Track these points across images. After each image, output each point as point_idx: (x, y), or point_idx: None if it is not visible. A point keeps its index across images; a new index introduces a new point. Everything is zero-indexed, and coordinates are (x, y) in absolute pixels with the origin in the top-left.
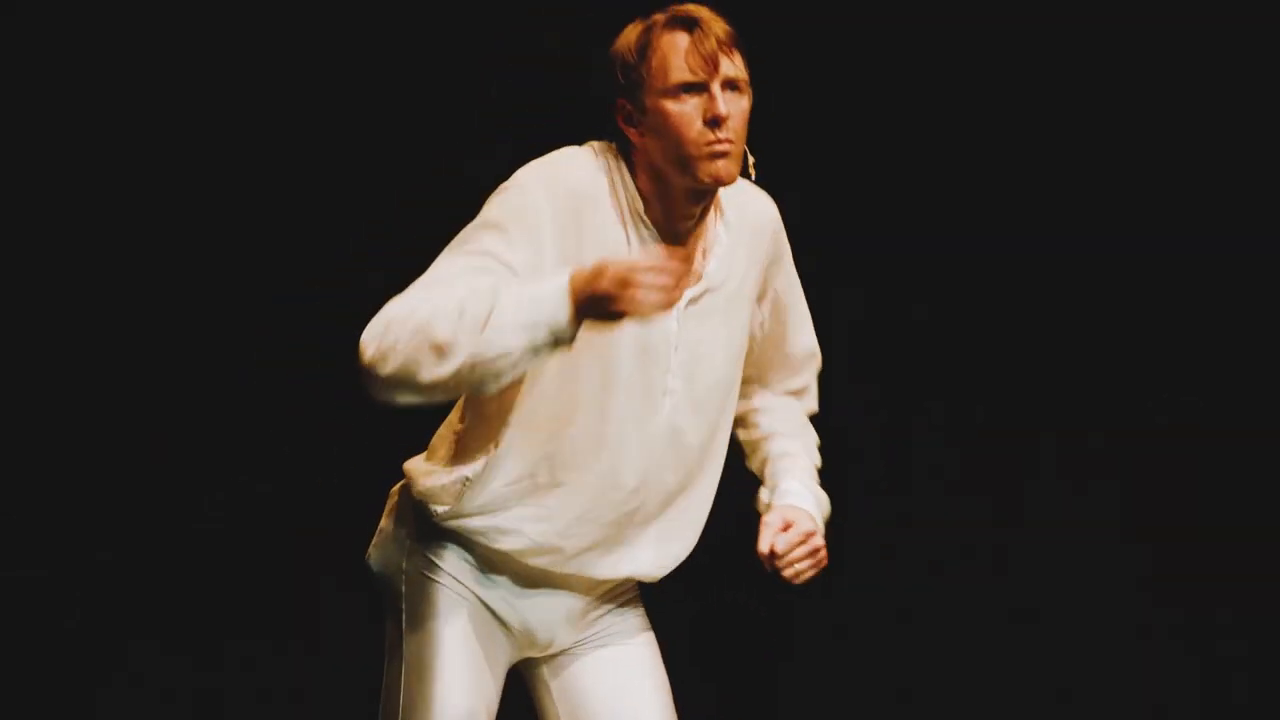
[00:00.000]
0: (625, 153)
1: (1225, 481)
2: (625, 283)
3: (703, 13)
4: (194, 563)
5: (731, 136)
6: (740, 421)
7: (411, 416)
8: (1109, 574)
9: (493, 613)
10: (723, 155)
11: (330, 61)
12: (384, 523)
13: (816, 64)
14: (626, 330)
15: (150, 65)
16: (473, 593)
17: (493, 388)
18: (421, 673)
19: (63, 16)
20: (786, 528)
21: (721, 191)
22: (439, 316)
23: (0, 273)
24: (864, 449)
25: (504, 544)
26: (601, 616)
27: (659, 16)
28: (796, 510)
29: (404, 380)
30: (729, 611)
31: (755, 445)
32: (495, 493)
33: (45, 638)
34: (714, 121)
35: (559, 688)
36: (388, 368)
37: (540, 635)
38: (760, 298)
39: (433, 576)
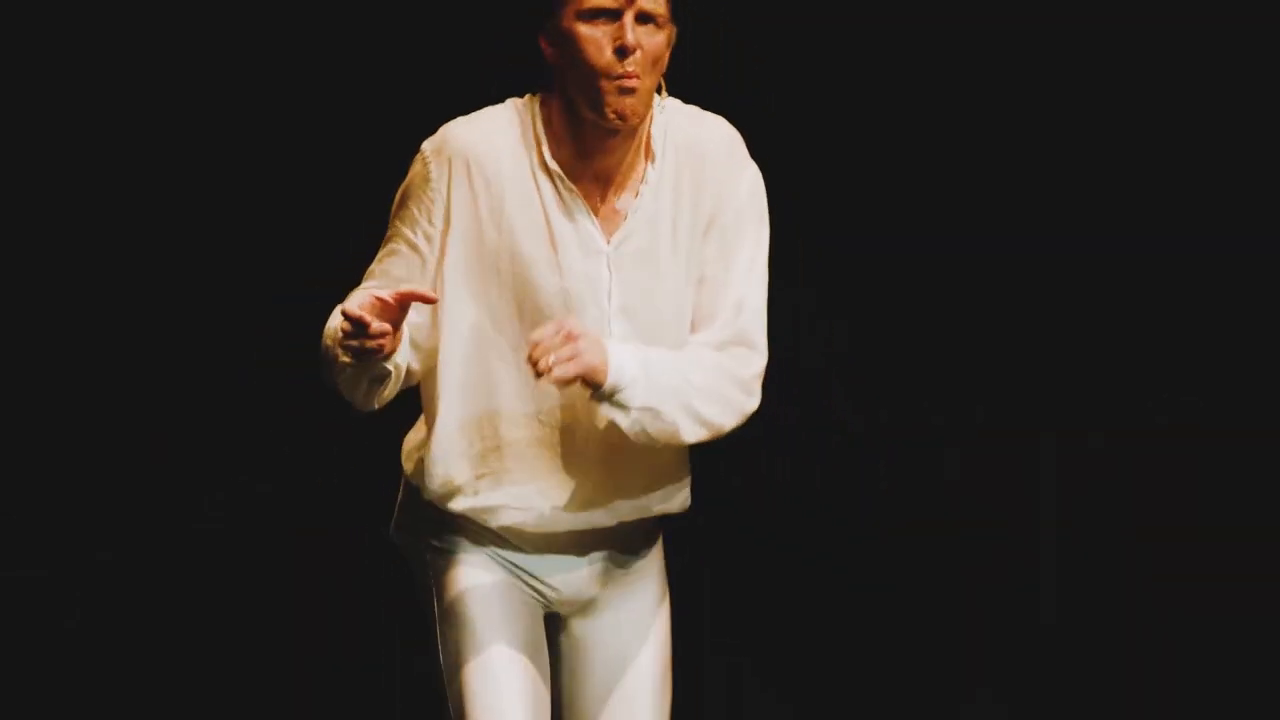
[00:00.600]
0: (544, 98)
1: (1225, 481)
2: (340, 328)
3: None
4: (194, 563)
5: (636, 70)
6: None
7: (412, 413)
8: (1110, 574)
9: (515, 568)
10: (629, 91)
11: (326, 59)
12: (400, 495)
13: (814, 64)
14: (545, 284)
15: (150, 66)
16: (495, 552)
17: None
18: (458, 636)
19: (62, 16)
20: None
21: (657, 121)
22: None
23: (1, 273)
24: (866, 448)
25: (491, 520)
26: (627, 571)
27: None
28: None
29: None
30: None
31: None
32: (450, 468)
33: (45, 638)
34: (620, 50)
35: (567, 644)
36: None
37: (568, 593)
38: (706, 230)
39: (456, 545)
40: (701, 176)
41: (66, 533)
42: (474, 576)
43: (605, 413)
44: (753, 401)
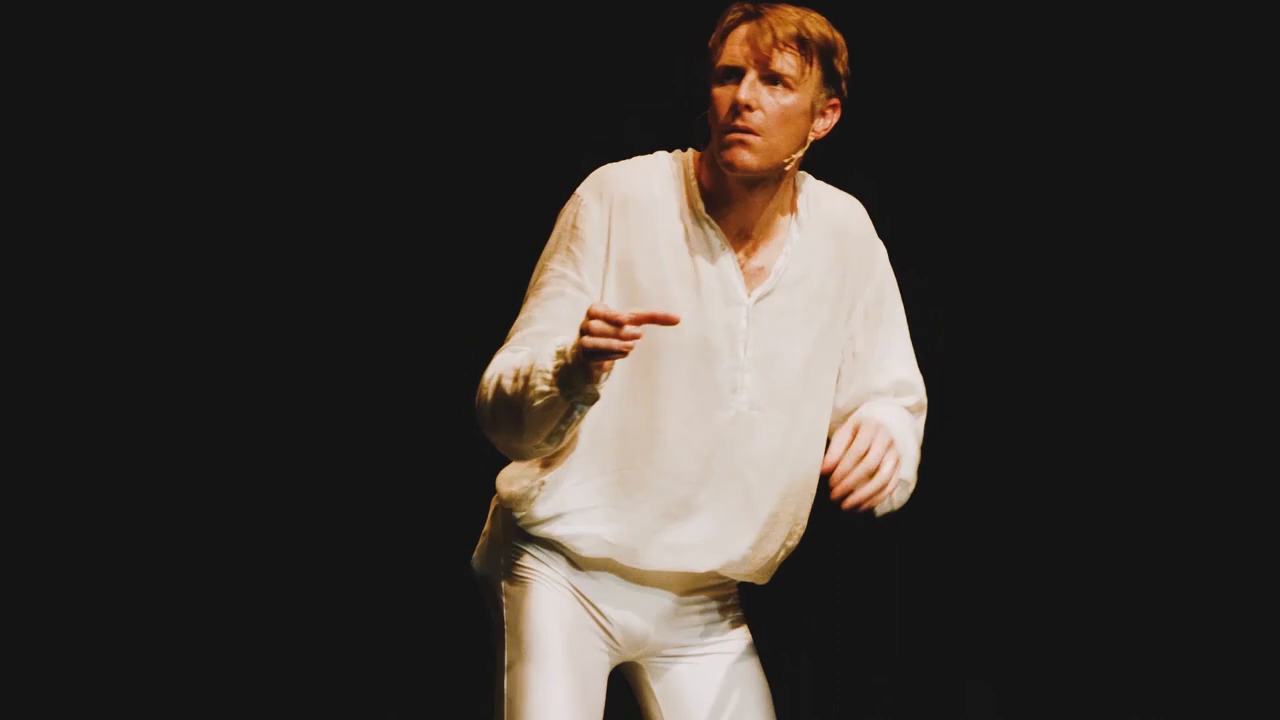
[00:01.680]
0: (702, 152)
1: (1225, 480)
2: (583, 329)
3: (782, 9)
4: (195, 562)
5: (751, 125)
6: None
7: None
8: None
9: (591, 608)
10: (741, 144)
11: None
12: (486, 527)
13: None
14: (685, 328)
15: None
16: (571, 588)
17: (552, 437)
18: (525, 669)
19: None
20: (855, 434)
21: (802, 190)
22: (490, 398)
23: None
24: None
25: (582, 548)
26: (699, 619)
27: (745, 7)
28: (869, 419)
29: (501, 447)
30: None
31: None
32: (565, 495)
33: (46, 637)
34: (735, 109)
35: (663, 692)
36: (488, 433)
37: (636, 632)
38: (850, 314)
39: (529, 576)
40: (845, 251)
41: (66, 532)
42: (550, 612)
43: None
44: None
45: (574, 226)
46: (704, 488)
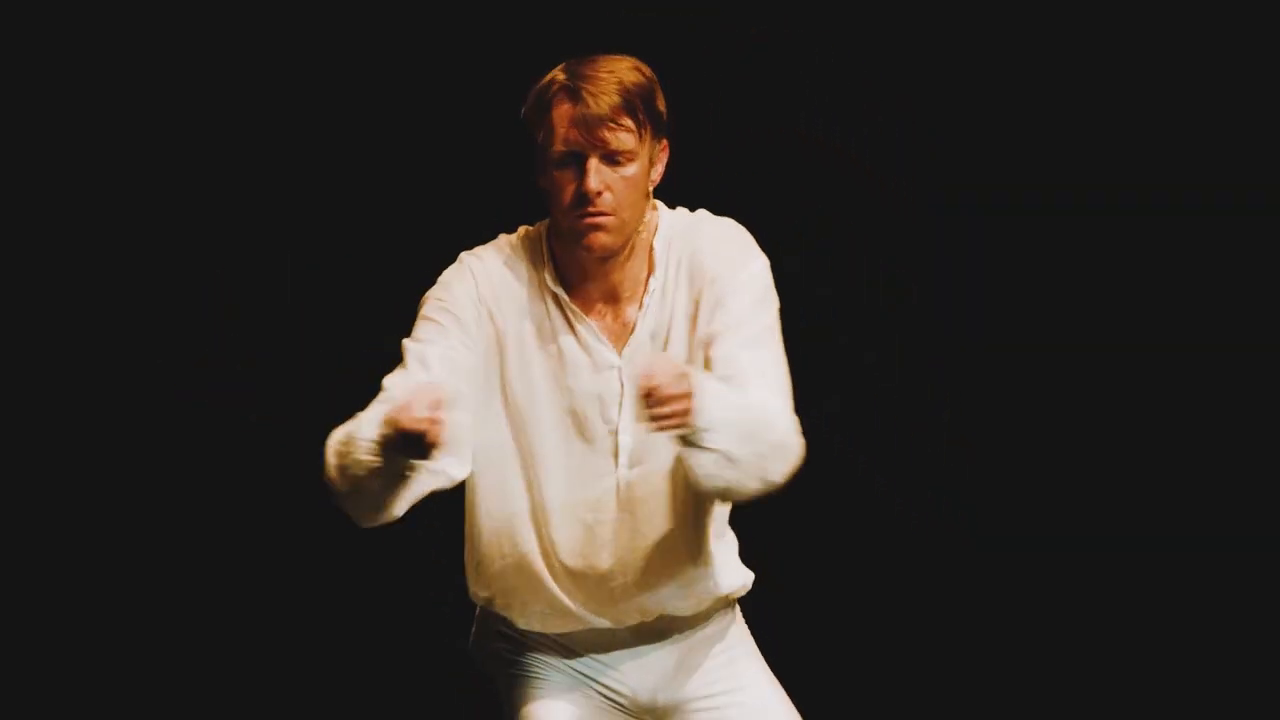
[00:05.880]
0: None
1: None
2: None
3: (595, 72)
4: (194, 563)
5: (605, 209)
6: None
7: None
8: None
9: (589, 680)
10: (598, 228)
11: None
12: (478, 611)
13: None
14: (552, 403)
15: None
16: (565, 665)
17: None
18: None
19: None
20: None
21: (658, 233)
22: (332, 464)
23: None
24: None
25: (531, 624)
26: (706, 665)
27: (558, 76)
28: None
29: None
30: None
31: None
32: (490, 578)
33: (47, 637)
34: (582, 196)
35: None
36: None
37: (641, 694)
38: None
39: (520, 658)
40: (698, 275)
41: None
42: (540, 688)
43: (685, 452)
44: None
45: (437, 300)
46: (605, 550)
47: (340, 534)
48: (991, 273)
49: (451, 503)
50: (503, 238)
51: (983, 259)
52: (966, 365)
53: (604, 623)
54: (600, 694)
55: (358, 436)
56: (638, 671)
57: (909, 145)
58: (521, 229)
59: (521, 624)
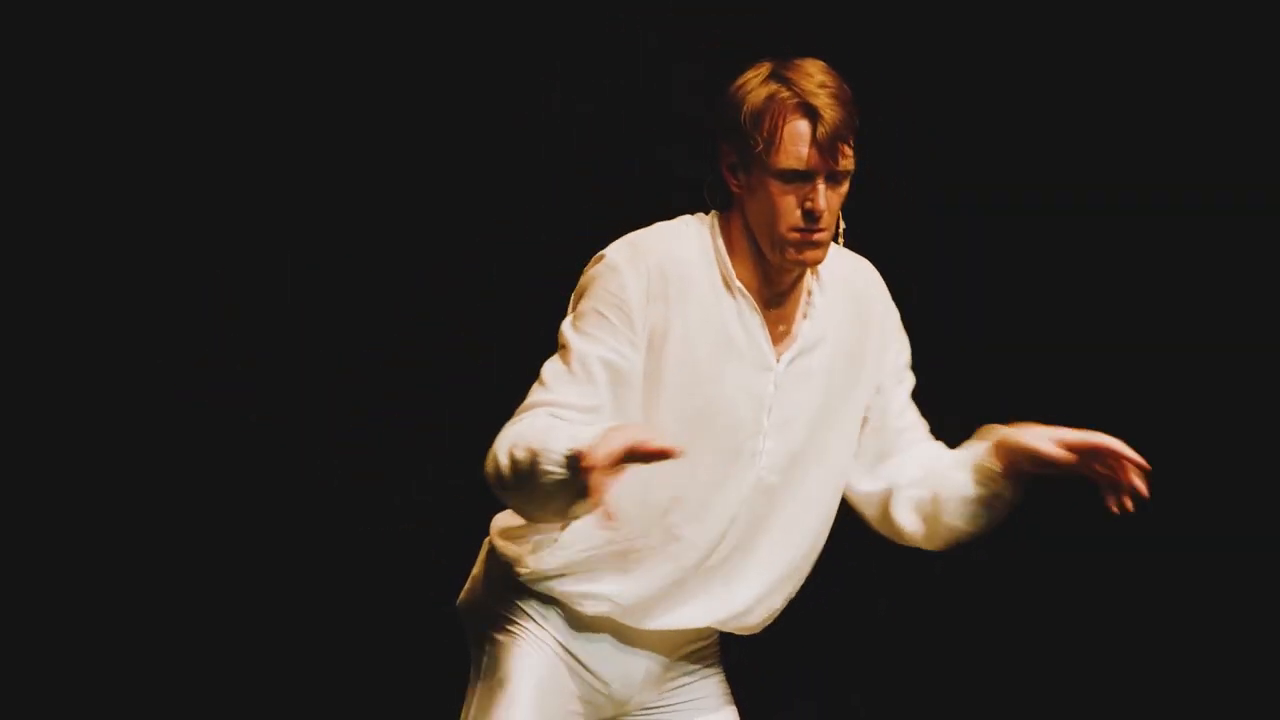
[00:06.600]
0: (722, 216)
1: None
2: (585, 468)
3: (824, 98)
4: (195, 563)
5: (825, 227)
6: (895, 493)
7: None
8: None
9: (577, 663)
10: (813, 245)
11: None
12: (476, 569)
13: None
14: (710, 394)
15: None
16: (557, 642)
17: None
18: (494, 707)
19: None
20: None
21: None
22: (506, 463)
23: (7, 275)
24: None
25: (586, 607)
26: (682, 679)
27: (783, 94)
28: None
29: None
30: None
31: (928, 476)
32: (575, 555)
33: (48, 637)
34: (811, 215)
35: None
36: (499, 494)
37: (620, 691)
38: (875, 378)
39: (517, 626)
40: (863, 312)
41: (66, 532)
42: (528, 660)
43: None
44: None
45: (609, 294)
46: (719, 553)
47: (340, 534)
48: (991, 273)
49: (452, 503)
50: (672, 225)
51: (983, 259)
52: (966, 365)
53: (666, 623)
54: (583, 678)
55: (543, 448)
56: (630, 672)
57: (909, 145)
58: (685, 217)
59: (577, 605)
